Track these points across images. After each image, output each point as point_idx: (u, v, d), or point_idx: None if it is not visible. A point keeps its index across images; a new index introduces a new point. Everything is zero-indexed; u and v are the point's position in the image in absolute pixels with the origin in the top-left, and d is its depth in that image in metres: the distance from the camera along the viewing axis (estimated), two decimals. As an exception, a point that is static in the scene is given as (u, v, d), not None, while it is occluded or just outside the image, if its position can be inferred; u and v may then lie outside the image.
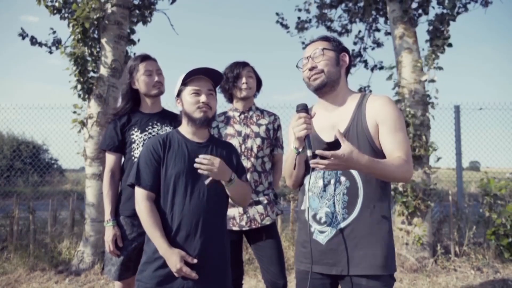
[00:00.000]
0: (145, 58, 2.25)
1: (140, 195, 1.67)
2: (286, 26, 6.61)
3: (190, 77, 1.72)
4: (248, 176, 2.24)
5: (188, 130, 1.76)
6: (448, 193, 4.94)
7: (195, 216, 1.63)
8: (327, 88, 1.59)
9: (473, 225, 4.41)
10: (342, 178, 1.53)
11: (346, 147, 1.34)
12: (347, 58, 1.64)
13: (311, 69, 1.58)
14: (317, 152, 1.36)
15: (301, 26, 6.47)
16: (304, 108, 1.50)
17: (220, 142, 1.87)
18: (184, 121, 1.78)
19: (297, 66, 1.67)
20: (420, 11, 4.74)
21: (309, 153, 1.44)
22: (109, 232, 2.11)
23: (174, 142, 1.73)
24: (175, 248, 1.59)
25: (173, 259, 1.56)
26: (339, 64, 1.60)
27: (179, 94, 1.76)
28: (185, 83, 1.73)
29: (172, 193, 1.65)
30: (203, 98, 1.69)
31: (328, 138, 1.57)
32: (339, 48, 1.63)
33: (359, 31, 6.84)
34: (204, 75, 1.74)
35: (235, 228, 2.25)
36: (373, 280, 1.46)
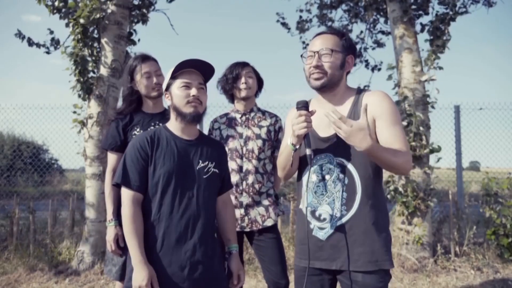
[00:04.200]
0: (144, 59, 2.22)
1: (127, 197, 1.58)
2: (287, 26, 6.59)
3: (180, 70, 1.64)
4: (251, 178, 2.25)
5: (177, 127, 1.67)
6: (448, 193, 4.94)
7: (185, 217, 1.56)
8: (326, 89, 1.60)
9: (473, 225, 4.41)
10: (341, 176, 1.54)
11: (361, 122, 1.39)
12: (352, 61, 1.64)
13: (316, 67, 1.57)
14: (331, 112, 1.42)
15: (302, 26, 6.45)
16: (304, 106, 1.51)
17: (210, 140, 1.80)
18: (173, 116, 1.68)
19: (301, 56, 1.65)
20: (420, 11, 4.73)
21: (308, 151, 1.46)
22: (111, 231, 2.11)
23: (162, 140, 1.64)
24: (167, 253, 1.53)
25: (142, 274, 1.46)
26: (343, 67, 1.60)
27: (168, 88, 1.67)
28: (174, 76, 1.64)
29: (161, 193, 1.57)
30: (193, 91, 1.60)
31: (324, 134, 1.59)
32: (348, 49, 1.61)
33: (361, 32, 6.84)
34: (194, 69, 1.66)
35: (236, 229, 2.24)
36: (369, 275, 1.48)
